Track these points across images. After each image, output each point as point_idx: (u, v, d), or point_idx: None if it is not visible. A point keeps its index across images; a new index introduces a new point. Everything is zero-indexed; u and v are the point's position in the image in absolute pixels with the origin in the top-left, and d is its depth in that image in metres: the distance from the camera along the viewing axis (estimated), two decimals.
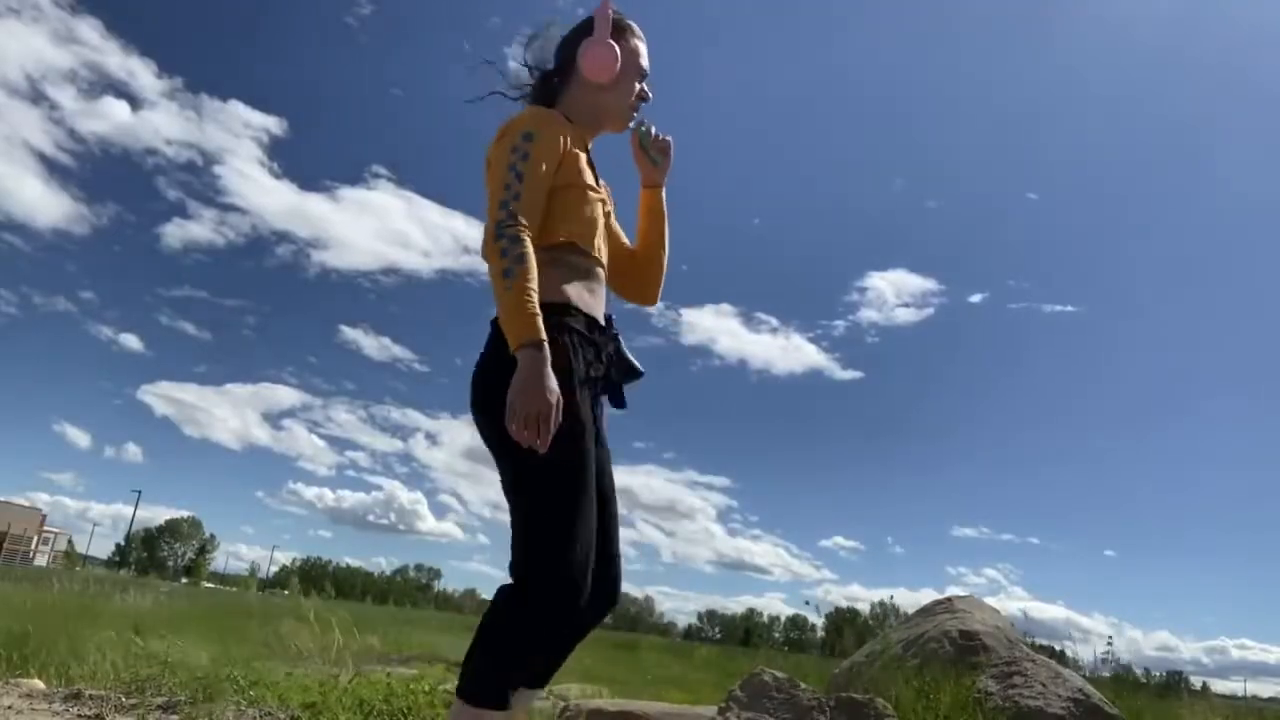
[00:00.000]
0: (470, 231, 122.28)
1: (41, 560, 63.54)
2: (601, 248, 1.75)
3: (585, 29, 1.80)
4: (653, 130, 1.89)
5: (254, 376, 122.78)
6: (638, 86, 1.83)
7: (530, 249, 1.54)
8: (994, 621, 4.46)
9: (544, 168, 1.62)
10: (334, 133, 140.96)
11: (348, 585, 77.39)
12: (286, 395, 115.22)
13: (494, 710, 1.51)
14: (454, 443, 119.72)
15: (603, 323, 1.73)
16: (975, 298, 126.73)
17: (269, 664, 4.55)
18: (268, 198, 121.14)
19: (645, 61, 1.84)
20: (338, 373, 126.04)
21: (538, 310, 1.49)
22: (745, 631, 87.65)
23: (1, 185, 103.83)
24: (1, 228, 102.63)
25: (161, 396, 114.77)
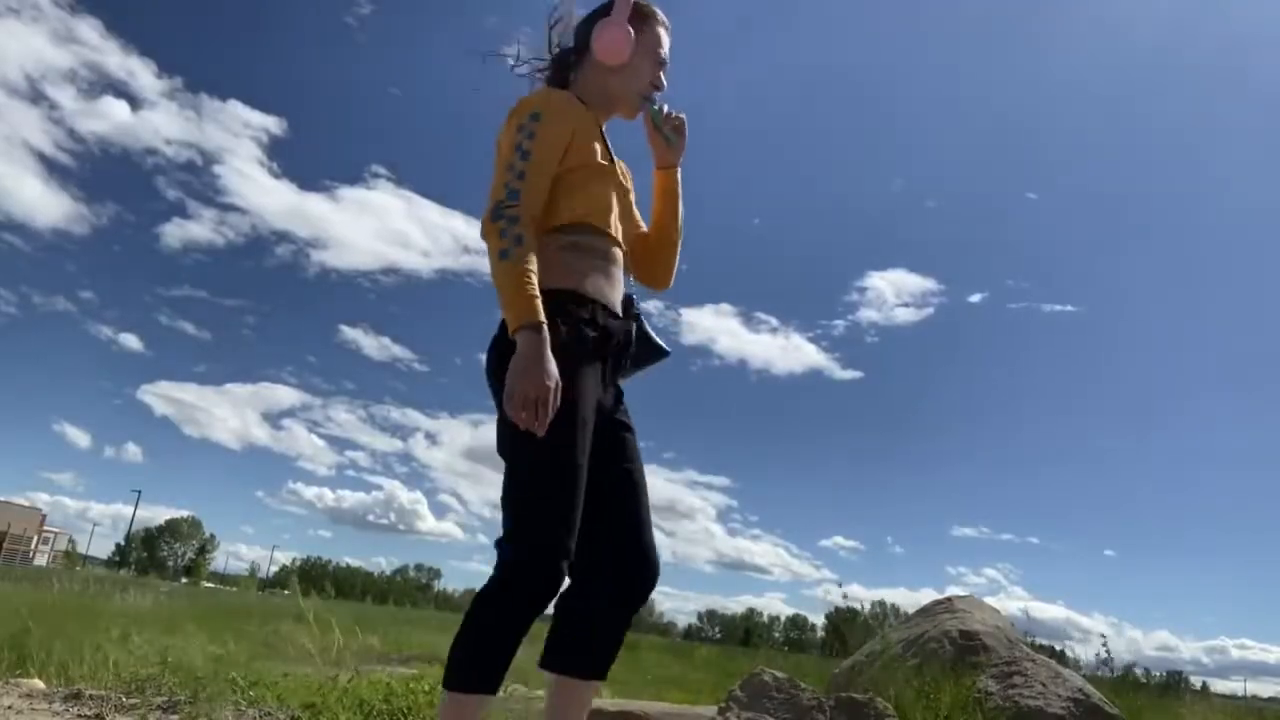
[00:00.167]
0: (470, 231, 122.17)
1: (41, 560, 63.50)
2: (616, 226, 1.71)
3: (605, 10, 1.77)
4: (665, 109, 1.83)
5: (254, 376, 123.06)
6: (652, 72, 1.79)
7: (530, 230, 1.52)
8: (994, 621, 4.45)
9: (551, 148, 1.61)
10: (333, 132, 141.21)
11: (348, 585, 77.31)
12: (286, 395, 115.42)
13: (476, 695, 1.48)
14: (454, 442, 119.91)
15: (616, 305, 1.70)
16: (975, 297, 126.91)
17: (269, 664, 4.55)
18: (267, 197, 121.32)
19: (665, 49, 1.80)
20: (337, 372, 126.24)
21: (536, 292, 1.48)
22: (745, 631, 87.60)
23: (1, 185, 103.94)
24: (1, 227, 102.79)
25: (161, 396, 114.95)
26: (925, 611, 4.81)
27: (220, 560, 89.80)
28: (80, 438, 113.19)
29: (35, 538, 71.73)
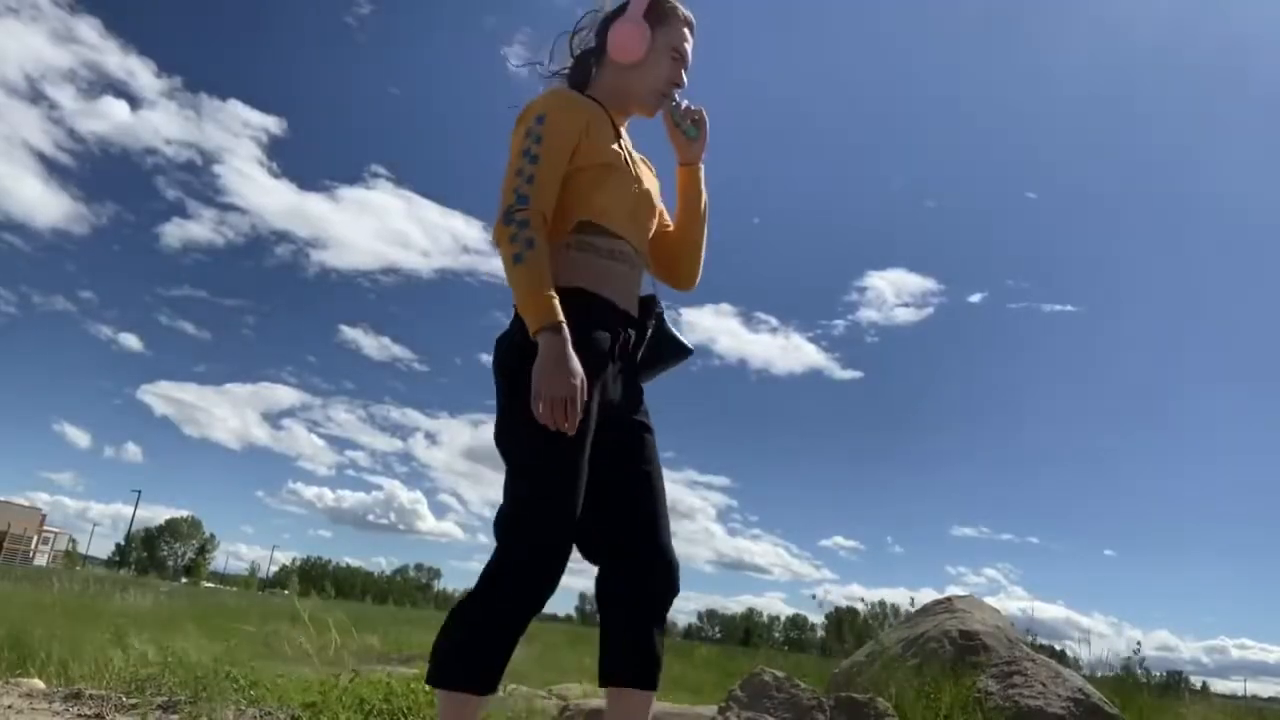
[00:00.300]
0: (469, 231, 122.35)
1: (41, 560, 63.53)
2: (631, 226, 1.70)
3: (622, 10, 1.75)
4: (685, 104, 1.80)
5: (253, 376, 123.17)
6: (671, 69, 1.76)
7: (540, 232, 1.52)
8: (994, 621, 4.46)
9: (557, 149, 1.60)
10: (333, 132, 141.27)
11: (348, 585, 77.41)
12: (286, 395, 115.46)
13: (468, 693, 1.47)
14: (454, 442, 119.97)
15: (628, 304, 1.68)
16: (974, 297, 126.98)
17: (269, 664, 4.55)
18: (267, 197, 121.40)
19: (687, 47, 1.78)
20: (337, 372, 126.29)
21: (553, 292, 1.48)
22: (745, 631, 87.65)
23: (1, 185, 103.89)
24: (1, 227, 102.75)
25: (161, 396, 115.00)
26: (925, 611, 4.81)
27: (220, 560, 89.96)
28: (80, 438, 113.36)
29: (35, 538, 71.74)
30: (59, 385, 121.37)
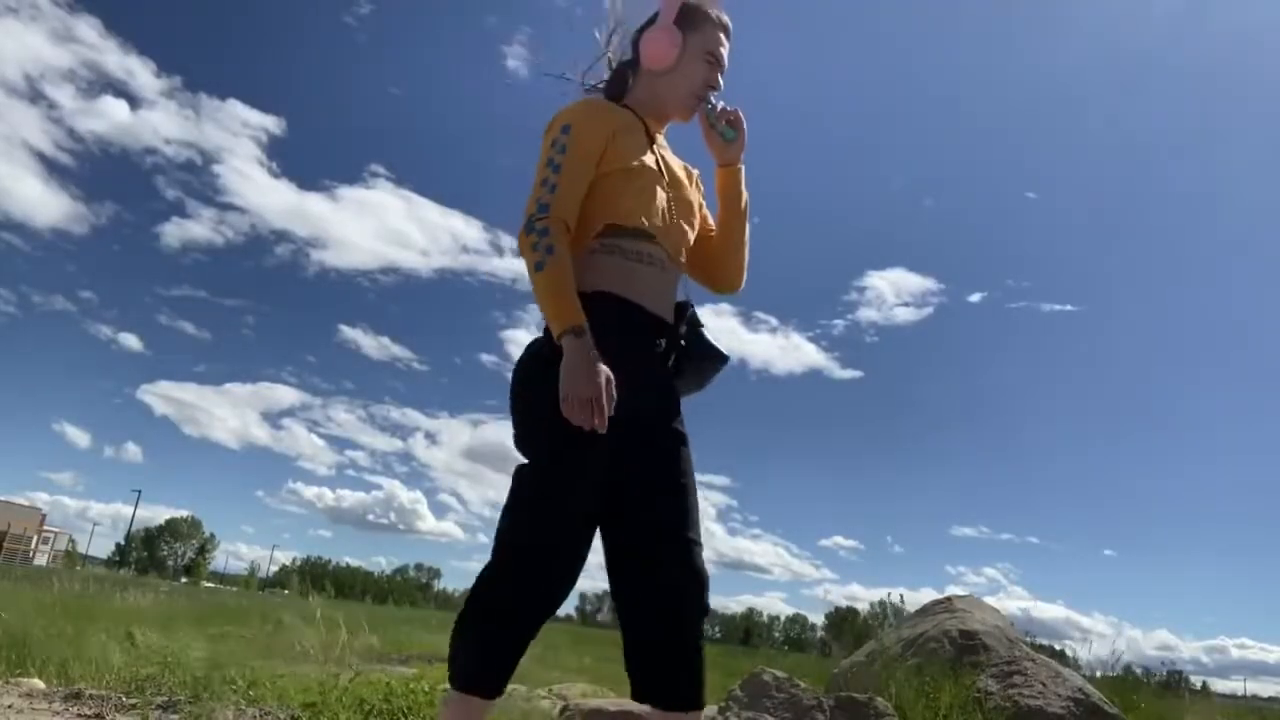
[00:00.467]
0: (469, 231, 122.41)
1: (41, 560, 63.52)
2: (662, 229, 1.68)
3: (654, 19, 1.76)
4: (720, 105, 1.80)
5: (253, 376, 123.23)
6: (706, 73, 1.76)
7: (561, 239, 1.53)
8: (994, 621, 4.46)
9: (582, 157, 1.60)
10: (333, 132, 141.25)
11: (348, 585, 77.34)
12: (286, 395, 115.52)
13: (477, 697, 1.49)
14: (453, 442, 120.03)
15: (659, 308, 1.67)
16: (974, 297, 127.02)
17: (269, 663, 4.55)
18: (267, 197, 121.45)
19: (723, 50, 1.77)
20: (337, 372, 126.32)
21: (575, 296, 1.49)
22: (745, 631, 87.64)
23: (1, 185, 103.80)
24: (1, 227, 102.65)
25: (161, 396, 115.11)
26: (925, 611, 4.81)
27: (220, 560, 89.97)
28: (80, 437, 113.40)
29: (35, 537, 71.73)
30: (59, 385, 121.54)
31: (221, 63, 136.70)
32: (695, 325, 1.74)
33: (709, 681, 1.64)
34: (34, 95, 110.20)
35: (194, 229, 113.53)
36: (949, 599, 4.84)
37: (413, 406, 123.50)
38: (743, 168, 1.83)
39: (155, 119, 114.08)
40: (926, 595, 5.18)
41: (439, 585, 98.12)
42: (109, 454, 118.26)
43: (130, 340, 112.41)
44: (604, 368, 1.46)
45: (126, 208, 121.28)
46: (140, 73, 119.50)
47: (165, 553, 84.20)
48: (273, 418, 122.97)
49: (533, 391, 1.56)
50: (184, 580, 62.55)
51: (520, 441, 1.59)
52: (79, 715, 3.04)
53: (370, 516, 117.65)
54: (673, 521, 1.59)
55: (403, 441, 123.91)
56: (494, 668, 1.51)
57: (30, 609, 6.26)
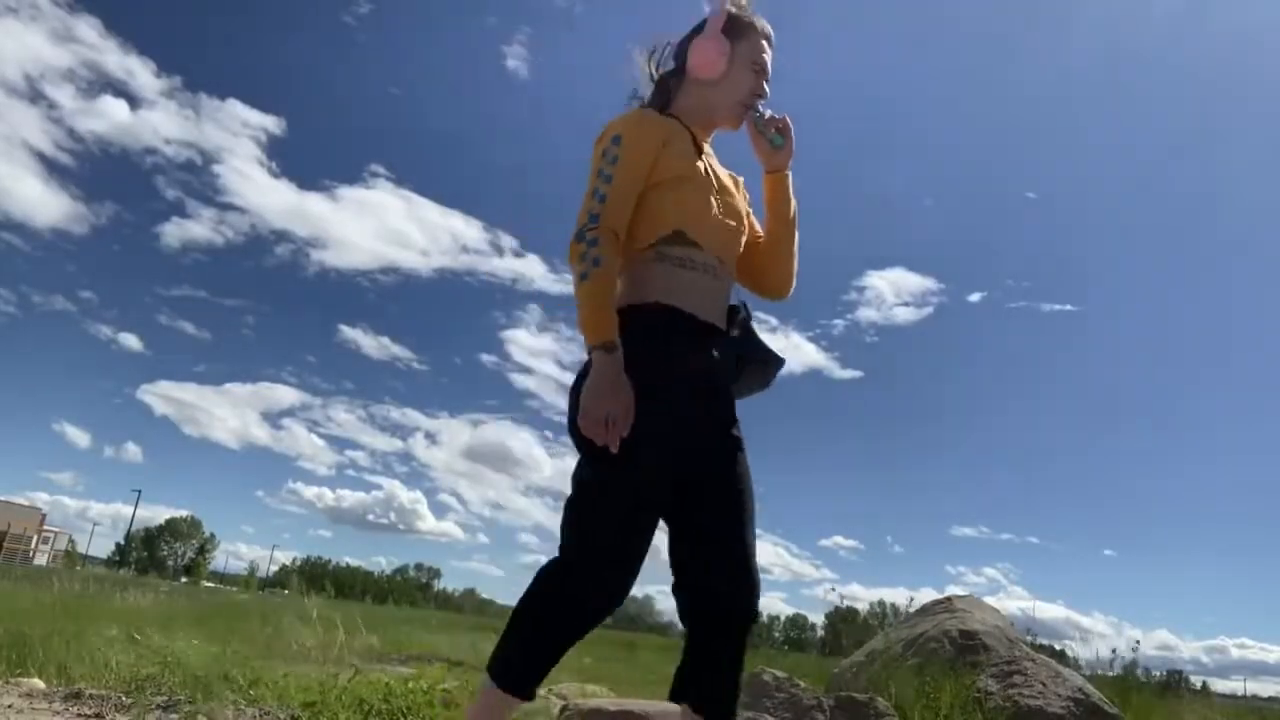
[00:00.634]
0: (469, 231, 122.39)
1: (41, 560, 63.54)
2: (712, 237, 1.70)
3: (701, 28, 1.78)
4: (768, 113, 1.83)
5: (253, 376, 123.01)
6: (753, 82, 1.78)
7: (610, 250, 1.55)
8: (994, 621, 4.46)
9: (633, 167, 1.62)
10: (333, 132, 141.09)
11: (347, 585, 77.32)
12: (286, 395, 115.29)
13: (517, 697, 1.51)
14: (454, 442, 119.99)
15: (712, 316, 1.69)
16: (974, 297, 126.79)
17: (268, 663, 4.55)
18: (266, 197, 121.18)
19: (766, 58, 1.80)
20: (337, 372, 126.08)
21: (612, 312, 1.52)
22: None
23: (0, 185, 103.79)
24: (1, 227, 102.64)
25: (161, 396, 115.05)
26: (925, 611, 4.82)
27: (220, 560, 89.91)
28: (80, 437, 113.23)
29: (35, 537, 71.75)
30: (59, 385, 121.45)
31: (221, 62, 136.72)
32: (748, 328, 1.76)
33: None
34: (34, 95, 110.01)
35: (194, 229, 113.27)
36: (949, 599, 4.84)
37: (413, 406, 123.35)
38: (790, 174, 1.85)
39: (155, 119, 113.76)
40: (926, 595, 5.18)
41: (439, 585, 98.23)
42: (109, 454, 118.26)
43: (130, 340, 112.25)
44: (628, 387, 1.48)
45: (126, 208, 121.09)
46: (140, 73, 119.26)
47: (165, 553, 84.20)
48: (273, 418, 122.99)
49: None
50: (184, 580, 62.54)
51: (587, 444, 1.56)
52: (79, 715, 3.04)
53: (370, 516, 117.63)
54: (727, 531, 1.62)
55: (403, 441, 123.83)
56: (543, 668, 1.52)
57: (30, 609, 6.26)
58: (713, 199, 1.71)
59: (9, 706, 3.03)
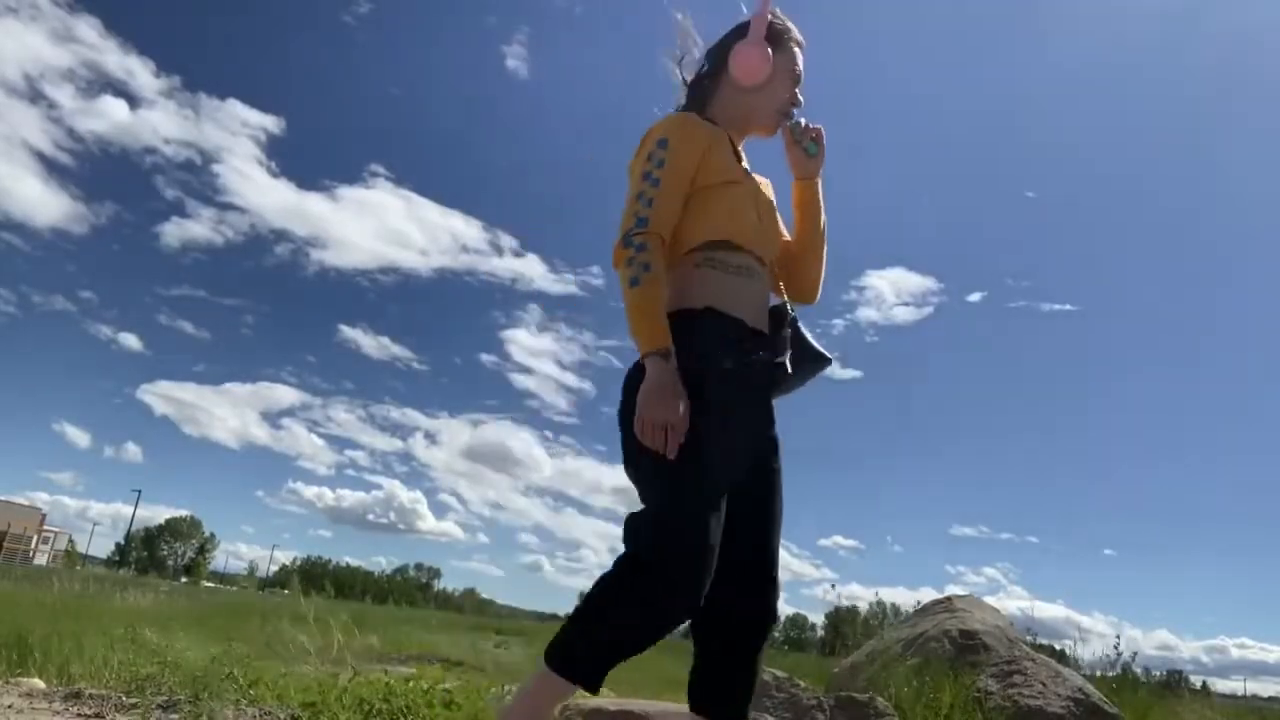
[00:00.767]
0: (469, 230, 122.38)
1: (41, 560, 63.55)
2: (757, 240, 1.71)
3: (741, 32, 1.78)
4: (804, 122, 1.85)
5: (253, 376, 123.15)
6: (789, 90, 1.80)
7: (658, 255, 1.55)
8: (994, 621, 4.46)
9: (679, 171, 1.62)
10: (332, 131, 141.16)
11: (347, 585, 77.35)
12: (285, 394, 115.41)
13: (583, 688, 1.48)
14: (453, 442, 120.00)
15: (758, 320, 1.69)
16: (974, 296, 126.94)
17: (269, 663, 4.55)
18: (266, 197, 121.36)
19: (800, 67, 1.81)
20: (337, 372, 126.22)
21: (664, 318, 1.51)
22: None
23: (0, 184, 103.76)
24: (1, 227, 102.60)
25: (161, 396, 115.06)
26: (924, 611, 4.82)
27: (220, 560, 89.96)
28: (80, 437, 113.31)
29: (35, 537, 71.74)
30: (59, 385, 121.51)
31: (221, 62, 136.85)
32: (797, 328, 1.76)
33: None
34: (34, 95, 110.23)
35: (193, 229, 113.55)
36: (949, 599, 4.84)
37: (413, 406, 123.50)
38: (820, 182, 1.87)
39: (155, 119, 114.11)
40: (926, 595, 5.18)
41: (439, 585, 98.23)
42: (109, 454, 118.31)
43: (130, 340, 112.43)
44: (682, 393, 1.47)
45: (126, 207, 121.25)
46: (140, 72, 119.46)
47: (165, 552, 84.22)
48: (272, 417, 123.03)
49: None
50: (184, 580, 62.55)
51: (649, 450, 1.52)
52: (79, 715, 3.04)
53: (370, 516, 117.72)
54: (761, 536, 1.62)
55: (403, 441, 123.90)
56: (611, 664, 1.49)
57: (30, 609, 6.26)
58: (754, 203, 1.73)
59: (9, 706, 3.03)
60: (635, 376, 1.57)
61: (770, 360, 1.67)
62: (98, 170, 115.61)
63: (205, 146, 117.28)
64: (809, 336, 1.76)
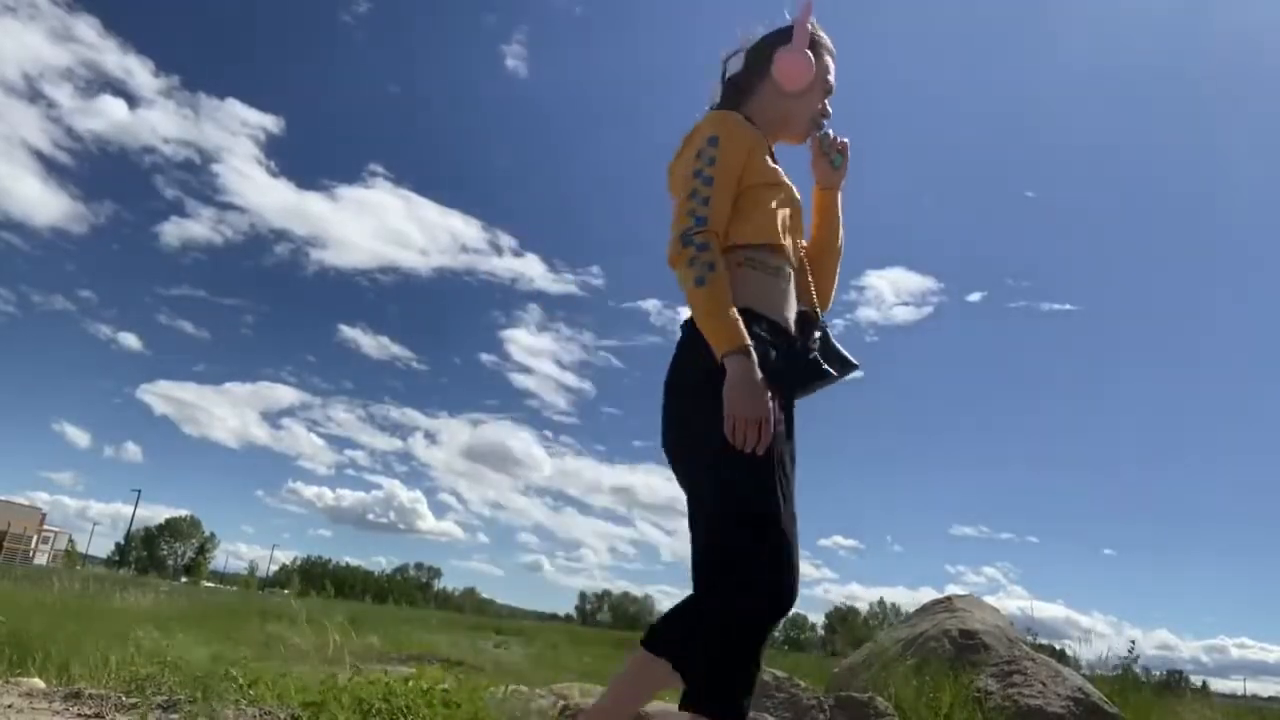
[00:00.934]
0: (468, 230, 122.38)
1: (41, 559, 63.57)
2: (789, 244, 1.73)
3: (783, 36, 1.79)
4: (832, 134, 1.89)
5: (253, 375, 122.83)
6: (822, 100, 1.82)
7: (719, 254, 1.55)
8: (994, 620, 4.46)
9: (730, 170, 1.63)
10: (331, 131, 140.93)
11: (347, 584, 77.35)
12: (285, 394, 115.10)
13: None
14: (453, 442, 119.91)
15: (791, 323, 1.70)
16: (974, 296, 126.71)
17: (269, 663, 4.55)
18: (265, 196, 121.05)
19: (833, 78, 1.83)
20: (336, 372, 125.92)
21: (737, 316, 1.51)
22: None
23: (0, 184, 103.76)
24: (0, 226, 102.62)
25: (160, 395, 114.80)
26: (924, 611, 4.82)
27: (220, 560, 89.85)
28: (80, 437, 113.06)
29: (35, 537, 71.75)
30: (59, 385, 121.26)
31: (220, 62, 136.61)
32: (826, 334, 1.78)
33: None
34: (33, 94, 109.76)
35: (193, 228, 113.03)
36: (949, 598, 4.85)
37: (412, 406, 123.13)
38: (840, 194, 1.91)
39: (154, 118, 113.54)
40: (926, 595, 5.18)
41: (439, 585, 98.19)
42: (109, 454, 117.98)
43: (130, 340, 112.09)
44: (767, 390, 1.48)
45: (125, 207, 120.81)
46: (139, 72, 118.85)
47: (165, 552, 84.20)
48: (272, 417, 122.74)
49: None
50: (184, 580, 62.59)
51: (724, 451, 1.50)
52: (79, 715, 3.04)
53: (370, 516, 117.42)
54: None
55: (402, 441, 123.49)
56: (756, 669, 1.49)
57: (30, 609, 6.27)
58: (791, 208, 1.75)
59: (9, 706, 3.03)
60: (691, 376, 1.58)
61: (817, 363, 1.69)
62: (97, 170, 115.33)
63: (205, 146, 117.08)
64: (836, 342, 1.78)
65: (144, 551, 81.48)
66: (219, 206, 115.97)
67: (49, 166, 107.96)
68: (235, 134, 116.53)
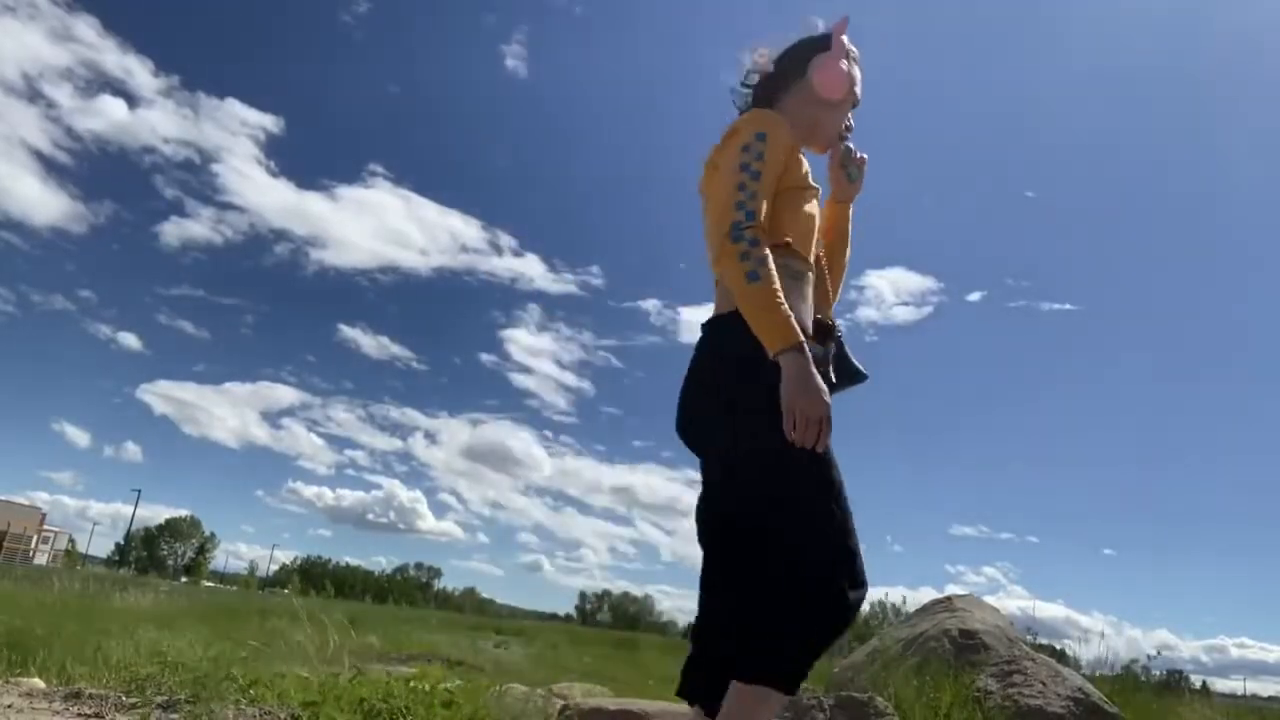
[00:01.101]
0: (468, 230, 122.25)
1: (41, 559, 63.54)
2: (813, 249, 1.73)
3: (819, 44, 1.79)
4: (854, 149, 1.90)
5: (252, 375, 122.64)
6: (848, 112, 1.83)
7: (768, 250, 1.53)
8: (994, 620, 4.46)
9: (774, 168, 1.63)
10: (331, 131, 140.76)
11: (347, 584, 77.39)
12: (285, 394, 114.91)
13: (788, 694, 1.48)
14: (453, 441, 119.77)
15: (809, 328, 1.68)
16: (974, 296, 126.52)
17: (269, 663, 4.55)
18: (265, 196, 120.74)
19: (860, 90, 1.83)
20: (336, 372, 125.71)
21: (790, 312, 1.49)
22: None
23: None
24: (0, 226, 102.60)
25: (160, 395, 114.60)
26: (924, 610, 4.82)
27: (220, 559, 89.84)
28: (80, 437, 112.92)
29: (35, 537, 71.74)
30: (58, 385, 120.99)
31: (220, 62, 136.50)
32: (841, 343, 1.78)
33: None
34: (32, 94, 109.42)
35: (193, 228, 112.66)
36: (949, 598, 4.84)
37: (412, 406, 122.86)
38: (852, 207, 1.94)
39: (153, 118, 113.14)
40: (926, 594, 5.19)
41: (439, 585, 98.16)
42: (109, 453, 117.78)
43: (129, 340, 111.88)
44: (825, 387, 1.47)
45: (125, 207, 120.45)
46: (138, 72, 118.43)
47: (165, 552, 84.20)
48: (272, 417, 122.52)
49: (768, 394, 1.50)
50: (184, 580, 62.59)
51: (780, 448, 1.48)
52: (79, 715, 3.04)
53: (370, 516, 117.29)
54: None
55: (402, 441, 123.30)
56: (813, 662, 1.50)
57: (30, 609, 6.26)
58: (818, 213, 1.75)
59: (9, 706, 3.03)
60: (726, 372, 1.57)
61: (848, 368, 1.71)
62: (96, 169, 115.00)
63: (204, 146, 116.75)
64: (849, 352, 1.79)
65: (144, 551, 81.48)
66: (219, 206, 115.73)
67: (49, 166, 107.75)
68: (235, 134, 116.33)
